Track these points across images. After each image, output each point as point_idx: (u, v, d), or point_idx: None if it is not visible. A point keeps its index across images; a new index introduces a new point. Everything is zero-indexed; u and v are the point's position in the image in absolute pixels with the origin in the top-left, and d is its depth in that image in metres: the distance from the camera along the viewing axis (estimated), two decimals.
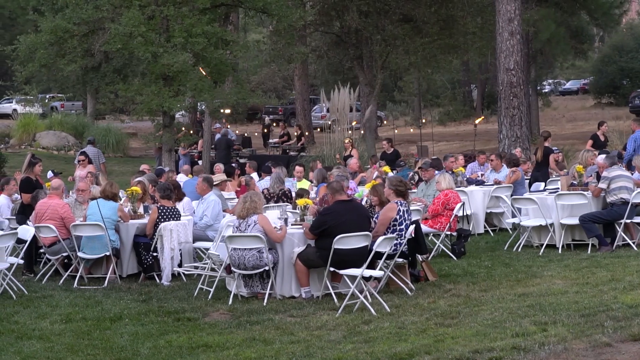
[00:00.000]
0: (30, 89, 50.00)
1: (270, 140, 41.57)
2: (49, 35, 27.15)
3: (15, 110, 54.63)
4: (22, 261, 14.76)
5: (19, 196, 18.09)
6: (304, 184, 20.11)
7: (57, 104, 55.60)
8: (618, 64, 64.38)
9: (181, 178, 21.56)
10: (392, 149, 27.76)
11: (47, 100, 53.88)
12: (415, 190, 18.54)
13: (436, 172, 18.53)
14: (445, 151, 35.04)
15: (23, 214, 16.89)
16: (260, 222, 12.68)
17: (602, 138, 24.68)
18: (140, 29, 25.87)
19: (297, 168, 21.31)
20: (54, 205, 15.08)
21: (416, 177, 20.45)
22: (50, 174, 21.32)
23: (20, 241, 14.55)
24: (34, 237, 14.78)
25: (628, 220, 15.76)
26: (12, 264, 13.96)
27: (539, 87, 51.24)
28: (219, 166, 23.16)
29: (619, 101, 63.41)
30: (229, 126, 37.21)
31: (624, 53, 65.29)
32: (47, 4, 34.70)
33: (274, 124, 46.89)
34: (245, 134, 40.92)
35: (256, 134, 41.94)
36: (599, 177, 16.54)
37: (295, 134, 39.33)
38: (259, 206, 12.89)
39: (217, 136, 33.98)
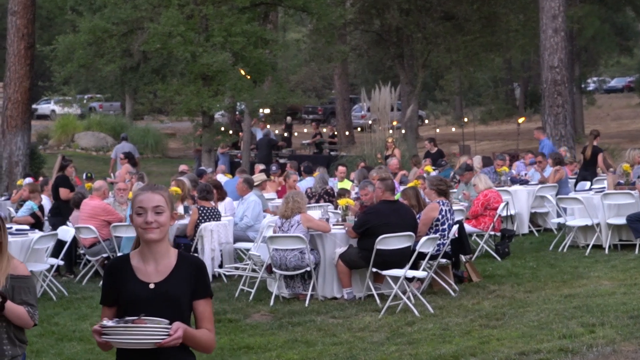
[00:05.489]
0: (69, 90, 50.32)
1: (304, 142, 41.49)
2: (88, 35, 27.27)
3: (53, 111, 54.93)
4: (62, 262, 14.75)
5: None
6: (346, 184, 19.99)
7: (95, 105, 55.86)
8: None
9: (220, 178, 21.52)
10: (436, 149, 27.60)
11: (85, 101, 54.15)
12: (456, 190, 18.37)
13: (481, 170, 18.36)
14: (487, 150, 34.87)
15: (58, 215, 16.85)
16: (304, 222, 12.57)
17: None
18: (179, 28, 25.90)
19: (340, 168, 21.19)
20: (95, 206, 15.07)
21: (457, 177, 20.28)
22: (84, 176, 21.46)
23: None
24: (74, 238, 14.77)
25: None
26: (52, 265, 13.96)
27: (583, 85, 50.78)
28: (259, 166, 23.11)
29: None
30: (268, 126, 37.19)
31: None
32: (85, 4, 34.89)
33: (312, 123, 46.83)
34: (285, 134, 40.87)
35: (277, 131, 41.77)
36: None
37: (330, 133, 39.38)
38: (302, 206, 12.78)
39: (259, 136, 33.95)
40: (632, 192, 15.72)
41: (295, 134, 44.29)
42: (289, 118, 42.28)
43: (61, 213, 16.83)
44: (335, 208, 15.62)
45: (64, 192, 17.44)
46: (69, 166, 18.92)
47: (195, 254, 14.33)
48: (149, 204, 4.76)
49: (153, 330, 4.57)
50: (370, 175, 17.76)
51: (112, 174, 26.36)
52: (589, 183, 19.33)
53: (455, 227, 12.87)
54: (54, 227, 15.99)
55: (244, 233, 15.53)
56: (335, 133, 41.44)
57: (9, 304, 5.61)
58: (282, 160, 30.76)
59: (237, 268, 14.21)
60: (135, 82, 47.79)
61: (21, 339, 5.81)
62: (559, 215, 16.86)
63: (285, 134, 39.44)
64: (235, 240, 15.22)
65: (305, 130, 47.64)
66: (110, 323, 4.61)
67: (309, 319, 11.32)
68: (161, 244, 4.82)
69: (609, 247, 15.68)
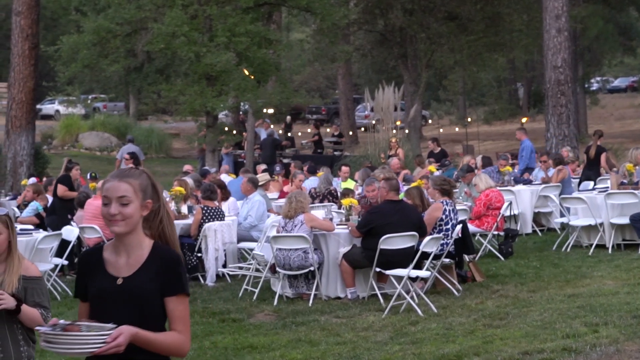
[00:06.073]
0: (73, 90, 50.25)
1: (303, 142, 41.50)
2: (92, 36, 27.27)
3: (57, 111, 54.71)
4: (66, 262, 14.76)
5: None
6: (349, 184, 19.97)
7: (99, 105, 55.71)
8: None
9: (224, 178, 21.53)
10: (439, 148, 27.59)
11: (89, 101, 54.07)
12: (457, 190, 18.35)
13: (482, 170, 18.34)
14: (490, 150, 34.81)
15: (53, 214, 16.82)
16: (308, 222, 12.57)
17: None
18: (183, 28, 25.90)
19: (343, 168, 21.19)
20: (99, 206, 15.07)
21: (460, 179, 20.24)
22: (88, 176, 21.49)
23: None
24: (78, 238, 14.77)
25: None
26: (56, 265, 13.96)
27: (586, 85, 50.66)
28: (261, 166, 23.11)
29: None
30: (272, 126, 37.19)
31: None
32: (89, 4, 34.90)
33: (312, 124, 46.79)
34: (289, 134, 40.86)
35: (280, 131, 41.81)
36: None
37: (334, 133, 39.37)
38: (305, 205, 12.77)
39: (263, 136, 33.93)
40: (636, 191, 15.69)
41: (299, 133, 44.28)
42: (288, 118, 42.30)
43: (55, 212, 16.80)
44: (339, 208, 15.61)
45: (61, 189, 17.43)
46: (75, 168, 18.92)
47: (199, 254, 14.38)
48: (113, 193, 4.28)
49: (86, 339, 4.04)
50: (375, 175, 17.75)
51: None
52: (592, 183, 19.31)
53: (459, 227, 12.87)
54: (50, 226, 16.00)
55: (247, 233, 15.53)
56: (340, 132, 41.41)
57: (24, 307, 5.51)
58: (285, 160, 30.76)
59: (240, 268, 14.20)
60: (139, 82, 47.74)
61: (33, 339, 5.75)
62: (562, 215, 16.82)
63: (289, 134, 39.46)
64: (239, 240, 15.20)
65: (309, 130, 47.62)
66: (43, 329, 4.10)
67: (313, 319, 11.30)
68: (131, 236, 4.36)
69: (613, 246, 15.64)
